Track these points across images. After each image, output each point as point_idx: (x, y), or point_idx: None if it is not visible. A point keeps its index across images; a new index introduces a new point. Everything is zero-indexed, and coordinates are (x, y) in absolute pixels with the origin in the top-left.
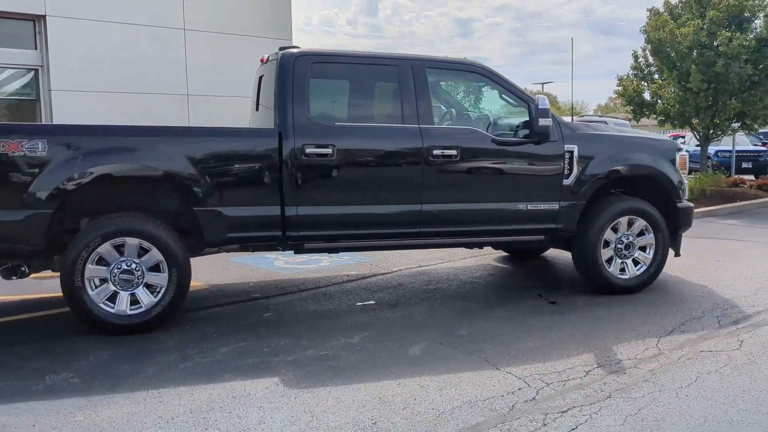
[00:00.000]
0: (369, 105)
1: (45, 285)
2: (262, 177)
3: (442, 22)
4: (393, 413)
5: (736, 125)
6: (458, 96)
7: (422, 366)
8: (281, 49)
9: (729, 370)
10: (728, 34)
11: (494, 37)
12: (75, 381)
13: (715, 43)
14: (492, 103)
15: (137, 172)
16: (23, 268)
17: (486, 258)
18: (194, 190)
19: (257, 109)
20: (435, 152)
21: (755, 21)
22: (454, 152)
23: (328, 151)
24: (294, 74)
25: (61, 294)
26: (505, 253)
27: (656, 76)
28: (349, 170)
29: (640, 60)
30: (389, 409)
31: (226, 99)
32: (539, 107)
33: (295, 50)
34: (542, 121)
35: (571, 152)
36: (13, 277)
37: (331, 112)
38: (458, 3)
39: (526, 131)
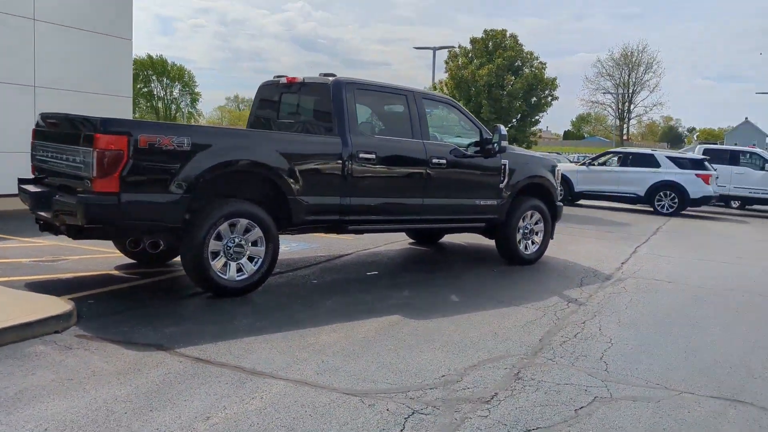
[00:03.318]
0: (391, 123)
1: (62, 266)
2: (329, 173)
3: (141, 17)
4: (499, 327)
5: None
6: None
7: (473, 306)
8: (324, 75)
9: (638, 298)
10: (512, 78)
11: (197, 39)
12: (262, 324)
13: (502, 84)
14: (441, 125)
15: (253, 166)
16: (161, 243)
17: (402, 243)
18: (289, 181)
19: (278, 118)
20: (434, 161)
21: (525, 69)
22: (444, 161)
23: (372, 156)
24: (345, 96)
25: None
26: (411, 240)
27: None
28: (383, 171)
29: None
30: (493, 325)
31: (75, 93)
32: (501, 133)
33: (341, 77)
34: (503, 143)
35: (505, 164)
36: (152, 251)
37: (369, 126)
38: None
39: (477, 148)
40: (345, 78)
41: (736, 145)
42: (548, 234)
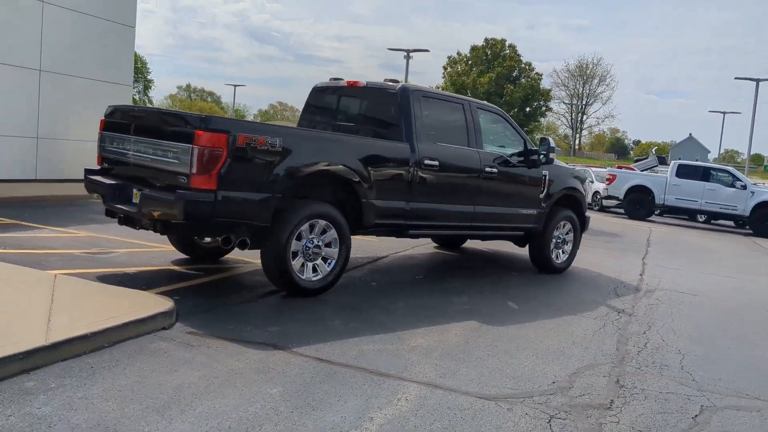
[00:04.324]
0: (450, 131)
1: (118, 260)
2: (398, 178)
3: None
4: (573, 336)
5: None
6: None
7: (533, 314)
8: (388, 80)
9: (676, 311)
10: (511, 87)
11: (147, 24)
12: (354, 326)
13: (501, 93)
14: (488, 134)
15: (339, 169)
16: (248, 241)
17: (428, 247)
18: (364, 185)
19: (336, 121)
20: (486, 170)
21: (522, 79)
22: (495, 170)
23: (436, 163)
24: (412, 103)
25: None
26: (435, 244)
27: None
28: (443, 178)
29: None
30: (567, 334)
31: (79, 80)
32: (551, 145)
33: (407, 84)
34: (551, 155)
35: (545, 175)
36: (229, 247)
37: (432, 134)
38: None
39: (520, 158)
40: (411, 85)
41: (680, 159)
42: (577, 244)
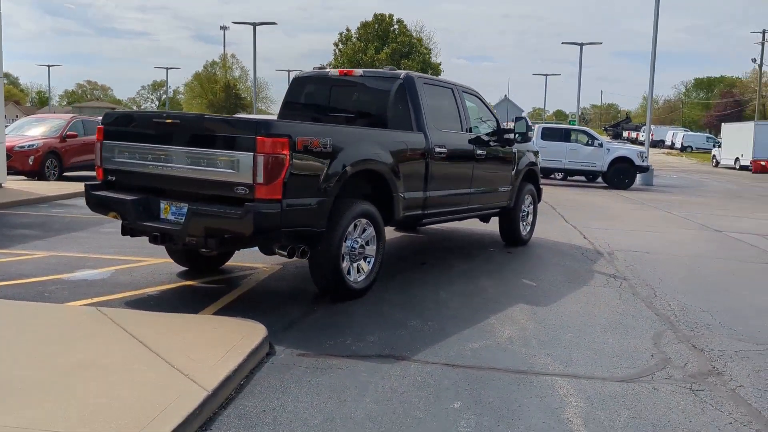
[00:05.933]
0: (446, 116)
1: (123, 280)
2: (418, 168)
3: None
4: (610, 306)
5: None
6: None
7: (553, 289)
8: (389, 68)
9: (653, 270)
10: (408, 62)
11: None
12: (434, 324)
13: (399, 68)
14: None
15: (380, 165)
16: (305, 249)
17: (389, 231)
18: (395, 178)
19: (329, 112)
20: (478, 152)
21: (414, 54)
22: (483, 152)
23: (444, 150)
24: (418, 91)
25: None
26: (391, 227)
27: None
28: (449, 165)
29: None
30: (603, 305)
31: None
32: (528, 124)
33: (411, 72)
34: (530, 133)
35: (515, 152)
36: (294, 257)
37: (436, 121)
38: None
39: (496, 138)
40: (414, 73)
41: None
42: (535, 216)
